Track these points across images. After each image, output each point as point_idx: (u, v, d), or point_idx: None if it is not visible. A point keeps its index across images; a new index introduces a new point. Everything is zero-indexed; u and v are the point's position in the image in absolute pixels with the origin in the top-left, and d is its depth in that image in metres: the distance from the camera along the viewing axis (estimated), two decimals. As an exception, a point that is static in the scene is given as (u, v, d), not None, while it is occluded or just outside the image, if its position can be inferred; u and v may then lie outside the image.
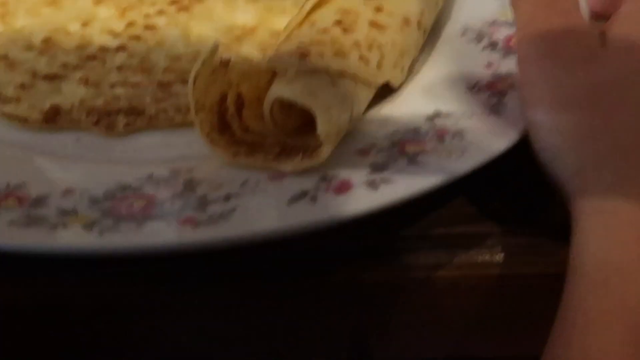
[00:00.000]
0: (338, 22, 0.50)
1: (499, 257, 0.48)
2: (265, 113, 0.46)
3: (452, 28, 0.59)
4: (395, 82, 0.51)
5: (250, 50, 0.59)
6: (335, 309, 0.48)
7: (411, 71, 0.54)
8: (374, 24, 0.51)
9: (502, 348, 0.50)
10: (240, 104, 0.48)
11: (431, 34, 0.58)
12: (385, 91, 0.52)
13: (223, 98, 0.48)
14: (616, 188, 0.41)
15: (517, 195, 0.50)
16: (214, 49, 0.45)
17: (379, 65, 0.49)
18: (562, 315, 0.40)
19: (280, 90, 0.44)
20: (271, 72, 0.48)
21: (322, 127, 0.43)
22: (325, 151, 0.43)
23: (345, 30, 0.50)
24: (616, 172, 0.42)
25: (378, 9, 0.53)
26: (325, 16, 0.51)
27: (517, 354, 0.49)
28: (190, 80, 0.46)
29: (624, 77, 0.44)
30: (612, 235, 0.40)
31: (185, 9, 0.64)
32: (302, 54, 0.46)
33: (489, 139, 0.45)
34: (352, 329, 0.49)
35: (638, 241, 0.40)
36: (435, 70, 0.55)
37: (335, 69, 0.46)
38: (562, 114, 0.43)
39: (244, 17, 0.63)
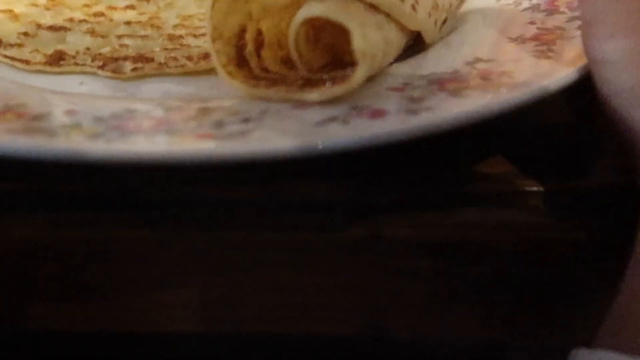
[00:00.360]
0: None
1: (541, 218, 0.42)
2: (290, 39, 0.41)
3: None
4: (427, 35, 0.47)
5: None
6: (350, 271, 0.43)
7: (448, 30, 0.50)
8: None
9: (544, 327, 0.44)
10: (259, 42, 0.44)
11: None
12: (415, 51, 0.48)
13: (242, 31, 0.43)
14: None
15: (564, 153, 0.45)
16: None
17: (414, 8, 0.45)
18: (627, 287, 0.36)
19: (310, 8, 0.40)
20: (294, 10, 0.43)
21: (358, 43, 0.38)
22: (361, 73, 0.39)
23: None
24: None
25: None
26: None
27: (563, 333, 0.44)
28: (209, 3, 0.41)
29: None
30: None
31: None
32: (334, -23, 0.42)
33: (542, 78, 0.41)
34: (367, 296, 0.43)
35: None
36: (470, 31, 0.50)
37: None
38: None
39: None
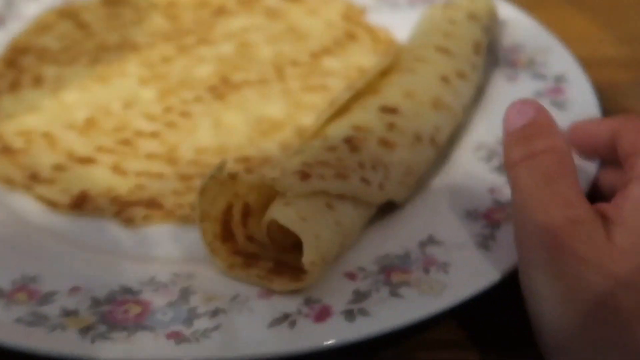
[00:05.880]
0: (347, 140, 0.53)
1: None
2: (262, 231, 0.48)
3: (467, 141, 0.61)
4: (398, 199, 0.54)
5: (272, 146, 0.63)
6: None
7: (419, 185, 0.57)
8: (383, 142, 0.54)
9: None
10: (246, 212, 0.51)
11: (446, 145, 0.60)
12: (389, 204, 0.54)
13: (229, 207, 0.51)
14: None
15: (511, 323, 0.49)
16: (222, 166, 0.48)
17: (382, 186, 0.52)
18: None
19: (275, 212, 0.47)
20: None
21: (307, 256, 0.45)
22: (310, 278, 0.46)
23: (353, 149, 0.52)
24: None
25: (391, 126, 0.55)
26: (338, 131, 0.54)
27: None
28: (198, 193, 0.49)
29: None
30: None
31: (221, 97, 0.68)
32: (304, 176, 0.49)
33: (471, 277, 0.47)
34: None
35: None
36: (441, 186, 0.57)
37: (334, 192, 0.49)
38: None
39: (274, 109, 0.66)
